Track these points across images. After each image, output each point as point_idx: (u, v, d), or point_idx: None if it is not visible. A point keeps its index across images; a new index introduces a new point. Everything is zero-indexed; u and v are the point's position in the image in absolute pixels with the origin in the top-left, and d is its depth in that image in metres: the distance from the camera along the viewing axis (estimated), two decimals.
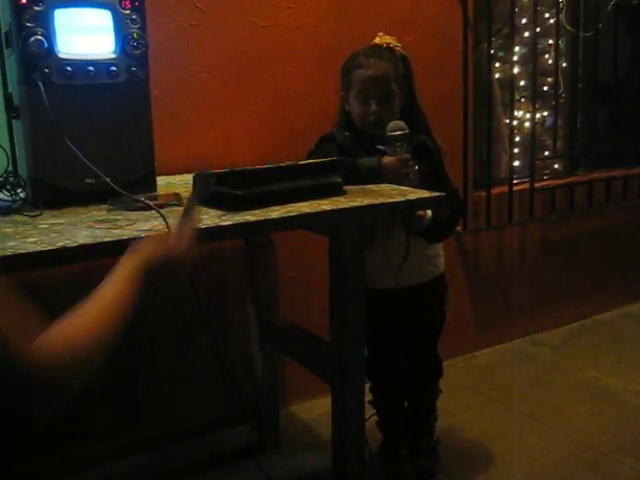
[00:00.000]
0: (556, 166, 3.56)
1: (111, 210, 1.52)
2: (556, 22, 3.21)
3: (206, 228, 1.35)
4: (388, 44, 2.01)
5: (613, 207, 3.52)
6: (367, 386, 2.05)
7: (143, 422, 2.30)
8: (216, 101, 2.34)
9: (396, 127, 1.86)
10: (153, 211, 1.41)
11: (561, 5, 3.21)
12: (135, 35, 1.61)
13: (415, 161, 1.89)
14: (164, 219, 1.32)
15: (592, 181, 3.42)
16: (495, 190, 3.08)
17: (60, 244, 1.22)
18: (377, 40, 2.03)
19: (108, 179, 1.48)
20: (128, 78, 1.62)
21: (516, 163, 3.25)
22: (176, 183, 1.96)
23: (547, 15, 3.33)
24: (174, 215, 1.43)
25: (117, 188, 1.47)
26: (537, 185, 3.22)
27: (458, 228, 2.80)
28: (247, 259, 2.32)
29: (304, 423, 2.55)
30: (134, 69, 1.63)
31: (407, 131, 1.86)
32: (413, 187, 1.80)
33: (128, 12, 1.60)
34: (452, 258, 2.88)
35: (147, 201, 1.47)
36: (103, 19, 1.59)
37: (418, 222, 1.90)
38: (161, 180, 1.82)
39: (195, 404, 2.39)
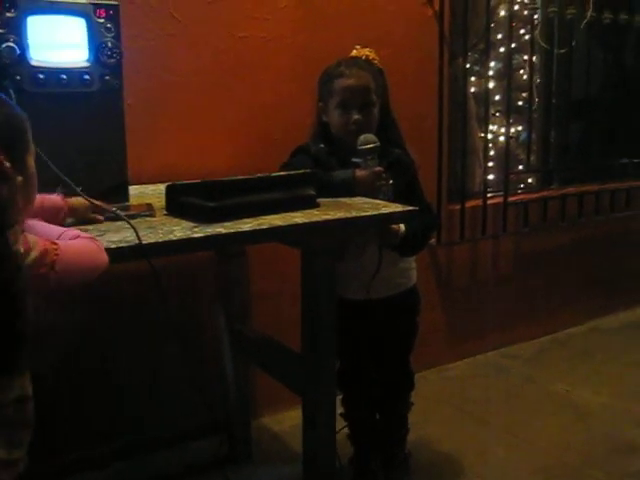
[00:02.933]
0: (530, 180, 3.60)
1: None
2: (531, 38, 3.25)
3: (177, 240, 1.34)
4: (367, 56, 2.02)
5: (585, 222, 3.55)
6: (339, 398, 2.05)
7: (111, 434, 2.27)
8: (190, 111, 2.33)
9: (367, 140, 1.87)
10: (124, 222, 1.40)
11: (536, 22, 3.25)
12: (109, 44, 1.60)
13: (389, 175, 1.90)
14: (135, 230, 1.31)
15: (565, 195, 3.46)
16: (469, 203, 3.11)
17: None
18: (354, 52, 2.03)
19: (79, 189, 1.47)
20: (101, 87, 1.61)
21: (490, 177, 3.28)
22: (149, 193, 1.94)
23: (522, 31, 3.38)
24: (145, 226, 1.42)
25: (88, 198, 1.45)
26: (511, 199, 3.24)
27: (432, 241, 2.81)
28: (219, 270, 2.31)
29: (275, 435, 2.54)
30: (108, 78, 1.61)
31: (378, 144, 1.87)
32: (387, 201, 1.81)
33: (102, 21, 1.59)
34: (425, 270, 2.89)
35: (118, 212, 1.46)
36: (77, 27, 1.57)
37: (391, 237, 1.90)
38: (133, 190, 1.80)
39: (165, 415, 2.37)
